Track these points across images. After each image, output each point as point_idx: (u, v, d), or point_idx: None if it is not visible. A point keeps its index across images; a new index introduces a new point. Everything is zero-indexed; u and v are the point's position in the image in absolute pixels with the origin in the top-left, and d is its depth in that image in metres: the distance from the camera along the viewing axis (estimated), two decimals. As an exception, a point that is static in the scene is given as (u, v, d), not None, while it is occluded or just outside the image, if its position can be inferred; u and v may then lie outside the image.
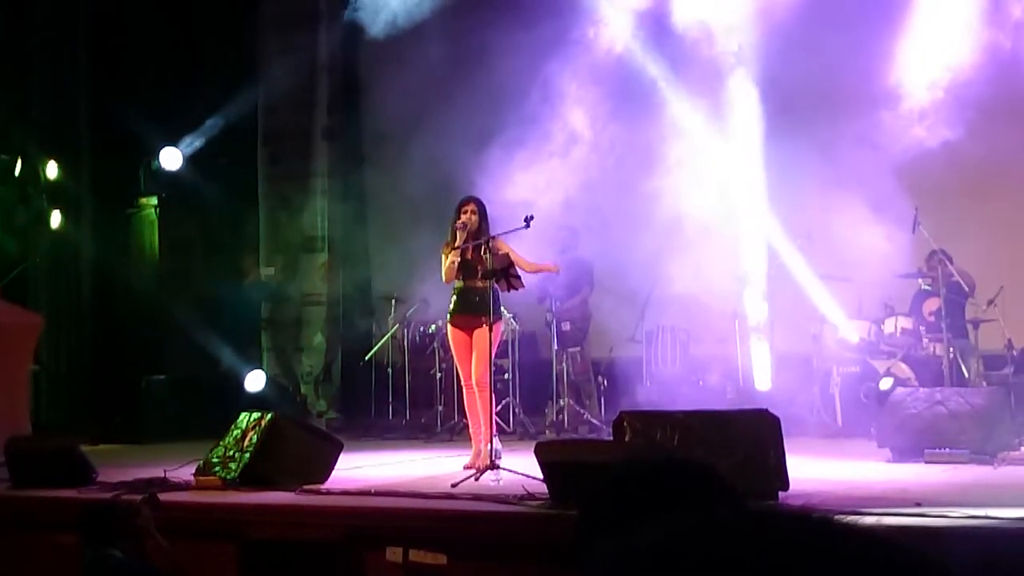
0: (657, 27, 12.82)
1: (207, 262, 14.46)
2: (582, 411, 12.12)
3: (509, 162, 12.14)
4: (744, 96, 12.45)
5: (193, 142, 14.05)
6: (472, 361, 8.78)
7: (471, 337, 8.81)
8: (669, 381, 12.25)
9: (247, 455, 7.85)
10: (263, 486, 7.58)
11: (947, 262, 11.02)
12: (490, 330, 8.68)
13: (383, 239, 15.03)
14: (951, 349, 10.57)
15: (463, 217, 8.94)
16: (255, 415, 8.25)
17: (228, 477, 7.79)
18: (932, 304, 11.01)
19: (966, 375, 10.84)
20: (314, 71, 14.51)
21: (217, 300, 13.87)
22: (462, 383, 9.22)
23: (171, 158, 13.89)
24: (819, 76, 12.10)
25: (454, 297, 9.00)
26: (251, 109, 14.58)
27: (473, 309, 8.82)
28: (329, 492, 7.48)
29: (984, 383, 10.54)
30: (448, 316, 9.07)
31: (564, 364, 12.20)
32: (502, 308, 11.54)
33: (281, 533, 6.74)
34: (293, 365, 14.63)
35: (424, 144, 13.25)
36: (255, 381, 13.42)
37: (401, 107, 14.08)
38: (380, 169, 14.94)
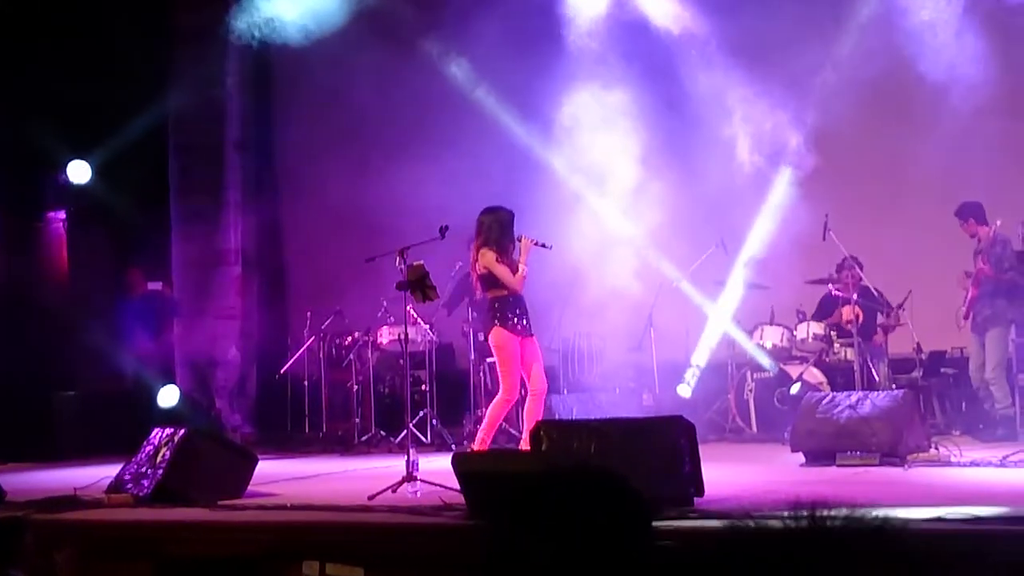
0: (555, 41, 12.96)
1: (117, 276, 14.24)
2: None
3: (424, 174, 12.14)
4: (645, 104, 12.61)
5: (102, 155, 13.84)
6: (530, 371, 9.13)
7: (524, 347, 9.14)
8: (586, 389, 12.32)
9: (160, 471, 7.74)
10: (177, 502, 7.49)
11: (858, 268, 11.20)
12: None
13: (298, 251, 14.94)
14: (862, 354, 10.75)
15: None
16: (168, 430, 8.15)
17: (141, 494, 7.68)
18: (849, 312, 11.16)
19: (876, 379, 11.03)
20: (226, 83, 14.36)
21: (117, 315, 13.69)
22: (505, 394, 9.21)
23: (79, 171, 13.68)
24: (733, 75, 12.31)
25: (516, 306, 9.11)
26: (162, 121, 14.39)
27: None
28: (245, 507, 7.41)
29: (894, 387, 10.72)
30: (512, 325, 9.07)
31: (482, 374, 12.20)
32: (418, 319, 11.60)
33: (196, 550, 6.65)
34: (207, 379, 14.45)
35: (339, 156, 13.22)
36: (168, 396, 13.25)
37: (315, 119, 14.03)
38: (294, 181, 14.85)
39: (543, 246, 9.32)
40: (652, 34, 12.74)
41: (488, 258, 9.03)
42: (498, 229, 9.12)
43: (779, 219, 12.10)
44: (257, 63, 14.40)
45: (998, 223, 10.67)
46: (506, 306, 9.07)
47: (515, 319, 9.05)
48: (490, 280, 9.12)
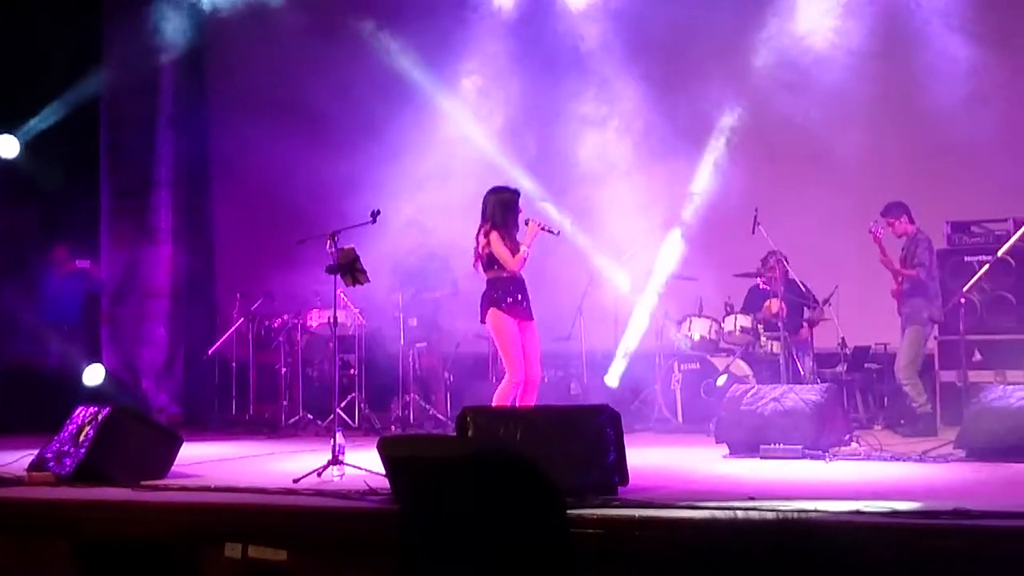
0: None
1: (44, 252, 14.04)
2: (428, 406, 12.13)
3: (355, 157, 12.11)
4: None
5: (31, 129, 13.63)
6: (527, 357, 8.96)
7: (523, 331, 9.02)
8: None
9: (83, 450, 7.67)
10: (99, 482, 7.42)
11: (784, 262, 11.30)
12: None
13: (228, 231, 14.82)
14: (787, 347, 10.87)
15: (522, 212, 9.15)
16: (92, 409, 8.07)
17: (63, 473, 7.60)
18: (774, 305, 11.27)
19: (801, 372, 11.16)
20: (159, 58, 14.18)
21: (42, 291, 13.54)
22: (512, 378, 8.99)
23: (7, 145, 13.47)
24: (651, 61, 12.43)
25: (514, 288, 9.01)
26: (93, 96, 14.20)
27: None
28: (168, 488, 7.36)
29: (818, 380, 10.86)
30: (509, 306, 8.97)
31: (411, 359, 12.20)
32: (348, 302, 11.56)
33: (118, 530, 6.60)
34: (134, 359, 14.30)
35: (270, 136, 13.12)
36: (93, 375, 13.11)
37: (247, 99, 13.91)
38: (225, 160, 14.71)
39: (550, 231, 9.25)
40: (562, 9, 12.92)
41: (493, 238, 8.95)
42: (502, 209, 9.02)
43: (708, 209, 12.21)
44: (191, 40, 14.24)
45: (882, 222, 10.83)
46: (503, 288, 8.98)
47: (512, 300, 8.95)
48: (490, 261, 9.02)
